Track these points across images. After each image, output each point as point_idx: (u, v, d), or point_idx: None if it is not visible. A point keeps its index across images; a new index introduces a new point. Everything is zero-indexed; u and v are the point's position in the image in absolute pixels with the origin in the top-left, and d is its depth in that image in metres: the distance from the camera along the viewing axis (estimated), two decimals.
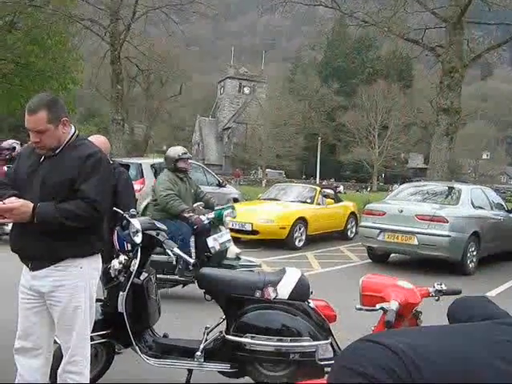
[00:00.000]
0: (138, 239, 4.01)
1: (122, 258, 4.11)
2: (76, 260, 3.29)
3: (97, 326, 3.90)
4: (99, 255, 3.47)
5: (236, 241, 12.49)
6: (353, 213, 14.63)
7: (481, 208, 11.09)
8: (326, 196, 14.12)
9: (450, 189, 11.57)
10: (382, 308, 2.89)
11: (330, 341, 3.88)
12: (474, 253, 10.37)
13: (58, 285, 3.25)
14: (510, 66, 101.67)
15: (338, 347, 3.87)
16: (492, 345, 1.64)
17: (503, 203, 12.48)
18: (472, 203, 10.84)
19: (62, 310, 3.28)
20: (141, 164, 14.50)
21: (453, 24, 16.99)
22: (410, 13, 19.71)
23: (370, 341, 1.72)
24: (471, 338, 1.68)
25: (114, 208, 4.69)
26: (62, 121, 3.23)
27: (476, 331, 1.74)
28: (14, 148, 9.94)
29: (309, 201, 13.48)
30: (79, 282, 3.29)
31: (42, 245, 3.21)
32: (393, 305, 2.83)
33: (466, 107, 35.55)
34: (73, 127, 3.38)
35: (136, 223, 4.04)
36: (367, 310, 3.03)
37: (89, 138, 5.10)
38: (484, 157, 70.37)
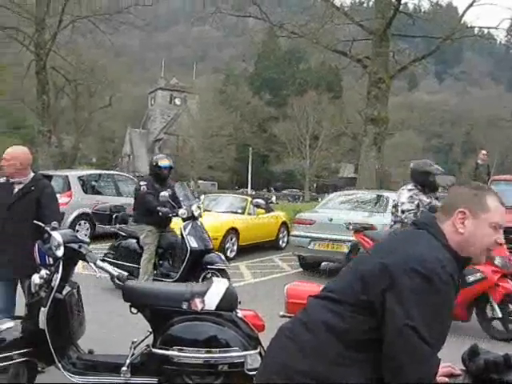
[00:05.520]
0: (60, 252, 3.88)
1: (43, 272, 3.97)
2: None
3: (17, 345, 3.75)
4: None
5: None
6: (284, 222, 14.69)
7: None
8: (257, 206, 14.14)
9: (379, 197, 11.76)
10: None
11: (258, 350, 3.85)
12: None
13: None
14: (435, 78, 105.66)
15: None
16: None
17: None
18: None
19: None
20: (67, 176, 14.16)
21: (379, 36, 17.45)
22: (338, 25, 20.12)
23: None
24: None
25: (35, 221, 4.53)
26: None
27: None
28: None
29: (240, 211, 13.47)
30: None
31: None
32: None
33: (394, 118, 36.58)
34: None
35: (57, 236, 3.91)
36: (290, 318, 3.02)
37: (8, 149, 4.94)
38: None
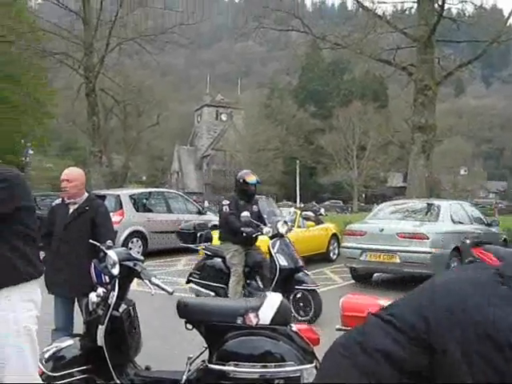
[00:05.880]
0: (116, 271, 3.94)
1: (100, 290, 4.04)
2: (2, 290, 3.12)
3: (77, 362, 3.82)
4: (33, 283, 3.31)
5: None
6: (334, 234, 14.61)
7: (460, 223, 11.13)
8: (307, 219, 14.09)
9: (430, 205, 11.61)
10: None
11: (314, 364, 3.81)
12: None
13: None
14: (482, 82, 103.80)
15: None
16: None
17: (482, 217, 12.55)
18: (452, 218, 10.88)
19: None
20: (119, 195, 14.41)
21: (423, 43, 17.27)
22: (381, 33, 20.00)
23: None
24: None
25: (91, 240, 4.64)
26: None
27: None
28: None
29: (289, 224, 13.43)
30: (8, 315, 3.12)
31: None
32: None
33: (442, 124, 36.01)
34: None
35: (113, 255, 3.98)
36: (347, 331, 3.00)
37: (66, 171, 5.10)
38: (462, 172, 71.07)
